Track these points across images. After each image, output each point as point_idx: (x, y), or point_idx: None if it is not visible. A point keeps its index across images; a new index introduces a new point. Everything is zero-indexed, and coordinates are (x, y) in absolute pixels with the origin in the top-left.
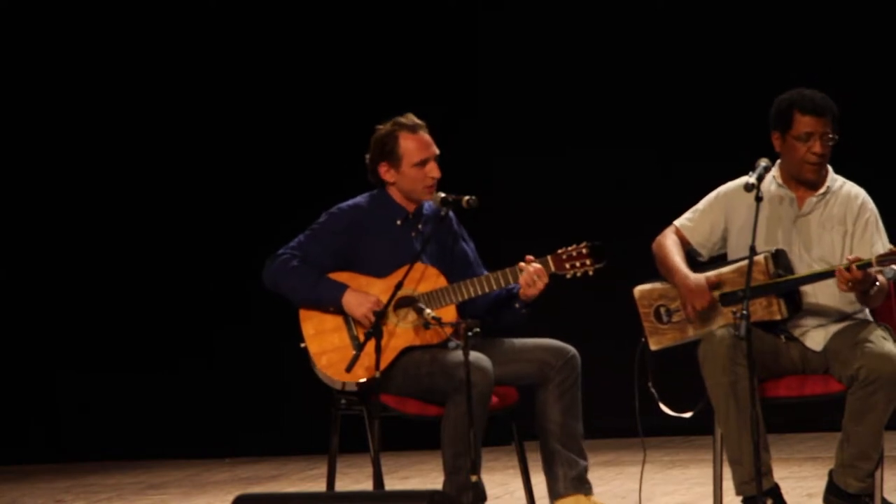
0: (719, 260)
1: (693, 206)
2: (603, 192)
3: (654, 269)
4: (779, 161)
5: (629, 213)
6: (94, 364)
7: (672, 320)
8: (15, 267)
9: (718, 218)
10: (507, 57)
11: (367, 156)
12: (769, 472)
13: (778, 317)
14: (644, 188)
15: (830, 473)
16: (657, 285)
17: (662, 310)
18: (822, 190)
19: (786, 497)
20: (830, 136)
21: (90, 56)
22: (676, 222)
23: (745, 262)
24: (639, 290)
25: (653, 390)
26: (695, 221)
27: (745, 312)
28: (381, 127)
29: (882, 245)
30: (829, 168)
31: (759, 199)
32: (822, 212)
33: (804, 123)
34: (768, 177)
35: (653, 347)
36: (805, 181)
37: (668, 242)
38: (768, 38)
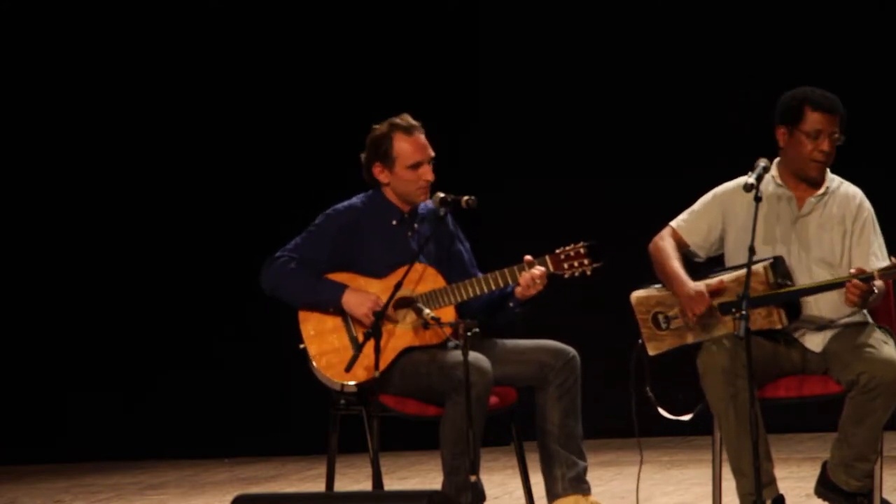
0: (716, 261)
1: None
2: (603, 192)
3: (653, 271)
4: (777, 160)
5: (629, 213)
6: (93, 364)
7: (671, 327)
8: (14, 267)
9: (716, 218)
10: (507, 58)
11: (363, 155)
12: (772, 482)
13: (778, 326)
14: (644, 189)
15: (824, 466)
16: (654, 291)
17: (660, 317)
18: (821, 190)
19: (786, 497)
20: (838, 135)
21: (88, 59)
22: (673, 223)
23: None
24: (636, 296)
25: (650, 394)
26: (691, 222)
27: (744, 313)
28: (377, 127)
29: (878, 245)
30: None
31: (758, 199)
32: (821, 212)
33: (815, 120)
34: (766, 176)
35: (651, 353)
36: (807, 178)
37: (665, 245)
38: (769, 43)
